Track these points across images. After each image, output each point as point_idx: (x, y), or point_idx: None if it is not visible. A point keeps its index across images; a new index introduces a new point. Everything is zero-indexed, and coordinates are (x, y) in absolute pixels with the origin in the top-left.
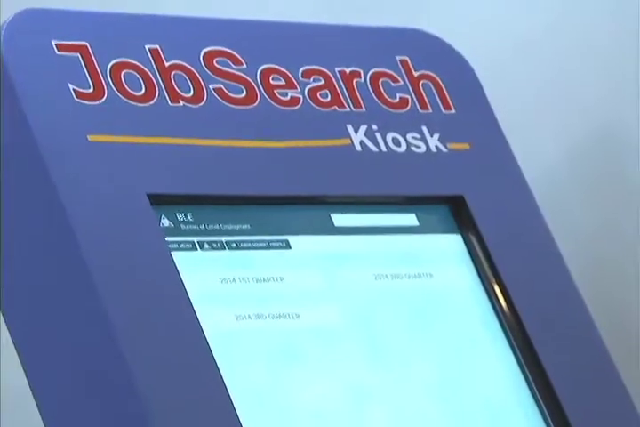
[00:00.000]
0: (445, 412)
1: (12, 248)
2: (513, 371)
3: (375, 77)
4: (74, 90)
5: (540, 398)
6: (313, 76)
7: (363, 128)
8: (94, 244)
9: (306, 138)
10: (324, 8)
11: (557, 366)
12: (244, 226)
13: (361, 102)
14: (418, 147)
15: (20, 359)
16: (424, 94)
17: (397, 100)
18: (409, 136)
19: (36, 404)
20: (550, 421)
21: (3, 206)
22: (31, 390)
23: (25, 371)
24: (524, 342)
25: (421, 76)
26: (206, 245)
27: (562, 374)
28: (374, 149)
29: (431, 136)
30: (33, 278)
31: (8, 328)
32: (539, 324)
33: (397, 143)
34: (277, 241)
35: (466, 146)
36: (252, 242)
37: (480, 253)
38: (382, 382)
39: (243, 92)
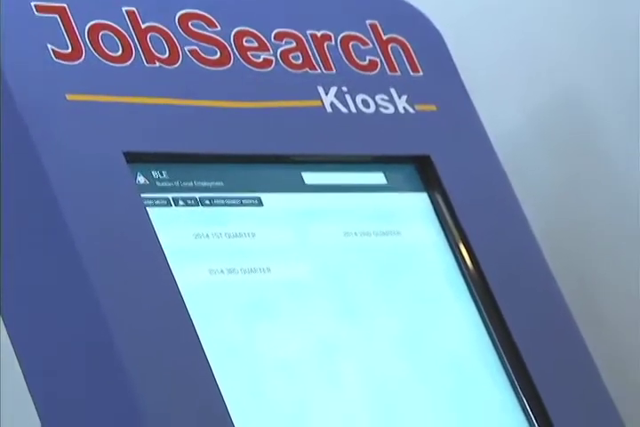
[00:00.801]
0: (411, 363)
1: None
2: (476, 324)
3: (345, 40)
4: (52, 50)
5: (501, 351)
6: (285, 39)
7: (333, 90)
8: (72, 200)
9: (277, 99)
10: None
11: (518, 319)
12: (218, 183)
13: (331, 64)
14: (386, 108)
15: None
16: (392, 57)
17: (367, 62)
18: (378, 98)
19: (20, 366)
20: (511, 372)
21: None
22: (16, 352)
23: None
24: (486, 297)
25: (390, 40)
26: (181, 202)
27: (522, 326)
28: (344, 110)
29: (399, 98)
30: (14, 234)
31: None
32: (501, 279)
33: (366, 104)
34: (250, 198)
35: (433, 107)
36: (225, 199)
37: (445, 211)
38: (351, 335)
39: (216, 53)
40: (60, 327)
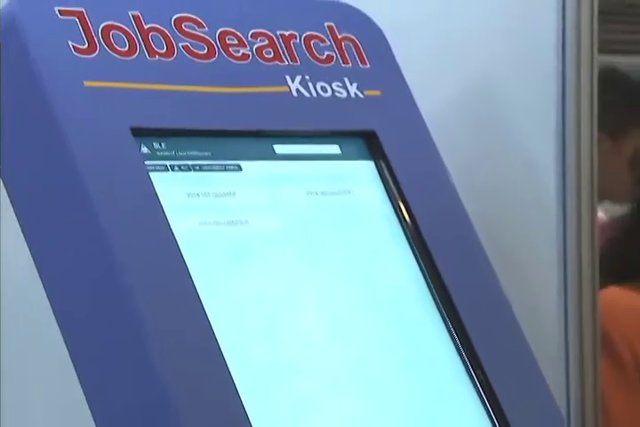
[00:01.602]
0: (359, 296)
1: (17, 177)
2: (412, 265)
3: (308, 39)
4: (72, 46)
5: (433, 288)
6: (259, 38)
7: (298, 78)
8: (90, 166)
9: (253, 85)
10: None
11: (447, 264)
12: (206, 153)
13: (297, 58)
14: (340, 93)
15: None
16: (345, 52)
17: (325, 56)
18: (334, 85)
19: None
20: (442, 308)
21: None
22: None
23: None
24: (420, 245)
25: (343, 39)
26: (176, 168)
27: (450, 270)
28: (307, 94)
29: (351, 85)
30: (39, 199)
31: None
32: (433, 231)
33: (325, 90)
34: (231, 165)
35: (378, 93)
36: (211, 166)
37: (388, 176)
38: (312, 275)
39: (204, 49)
40: (76, 263)
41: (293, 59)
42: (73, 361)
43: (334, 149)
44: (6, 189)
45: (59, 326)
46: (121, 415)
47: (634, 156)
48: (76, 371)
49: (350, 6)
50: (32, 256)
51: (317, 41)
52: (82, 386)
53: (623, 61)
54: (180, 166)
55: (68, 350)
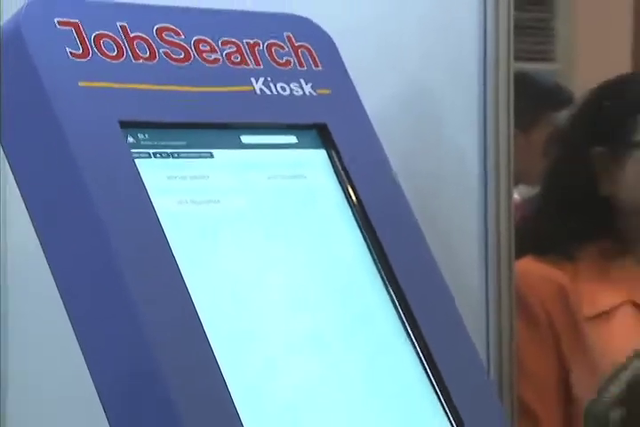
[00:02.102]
0: (315, 267)
1: (23, 168)
2: (358, 240)
3: (269, 46)
4: (69, 51)
5: (377, 260)
6: (228, 45)
7: (261, 79)
8: (84, 154)
9: (223, 85)
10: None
11: (389, 238)
12: (182, 142)
13: (260, 62)
14: (297, 92)
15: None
16: (301, 57)
17: (284, 61)
18: (291, 85)
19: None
20: (386, 279)
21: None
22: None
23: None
24: (366, 223)
25: (300, 46)
26: (157, 155)
27: (392, 243)
28: (268, 93)
29: (306, 85)
30: (41, 183)
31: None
32: (376, 210)
33: (284, 89)
34: (204, 153)
35: (328, 91)
36: (187, 153)
37: (337, 163)
38: (274, 250)
39: (181, 54)
40: (73, 234)
41: (257, 63)
42: (74, 330)
43: (292, 139)
44: (14, 176)
45: (60, 292)
46: (114, 375)
47: (544, 146)
48: (77, 338)
49: (305, 19)
50: (36, 233)
51: (277, 48)
52: (82, 351)
53: (532, 67)
54: (160, 154)
55: (68, 315)
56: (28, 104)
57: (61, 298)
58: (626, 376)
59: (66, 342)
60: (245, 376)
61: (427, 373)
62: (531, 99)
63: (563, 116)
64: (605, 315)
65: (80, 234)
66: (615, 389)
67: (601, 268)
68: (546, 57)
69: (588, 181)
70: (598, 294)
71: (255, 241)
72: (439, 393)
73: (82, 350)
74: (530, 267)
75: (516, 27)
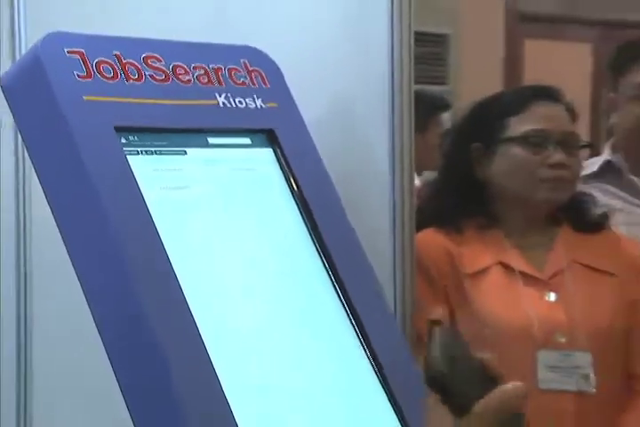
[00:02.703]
0: (266, 240)
1: (43, 172)
2: (297, 219)
3: (230, 70)
4: (76, 73)
5: (312, 232)
6: (198, 69)
7: (223, 95)
8: (87, 152)
9: (194, 99)
10: (206, 34)
11: (321, 216)
12: (163, 143)
13: (223, 82)
14: (251, 105)
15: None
16: (254, 79)
17: (241, 81)
18: (247, 99)
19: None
20: (318, 247)
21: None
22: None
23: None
24: (304, 204)
25: (253, 70)
26: (144, 152)
27: (323, 219)
28: (229, 105)
29: (257, 99)
30: (55, 177)
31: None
32: (311, 194)
33: (241, 103)
34: (180, 151)
35: (275, 104)
36: (167, 151)
37: (281, 158)
38: (234, 228)
39: (162, 76)
40: (81, 217)
41: (220, 83)
42: (84, 292)
43: (247, 140)
44: (35, 168)
45: (71, 258)
46: (111, 321)
47: (440, 142)
48: (84, 293)
49: (257, 49)
50: (55, 218)
51: (236, 71)
52: (88, 303)
53: (430, 88)
54: (146, 151)
55: (78, 277)
56: (45, 114)
57: (73, 265)
58: (437, 341)
59: (87, 339)
60: (211, 314)
61: (351, 322)
62: (424, 108)
63: (445, 118)
64: (481, 272)
65: (85, 212)
66: (434, 352)
67: (478, 237)
68: (441, 81)
69: (469, 169)
70: (476, 256)
71: (218, 217)
72: (359, 333)
73: (88, 302)
74: (426, 236)
75: (417, 58)
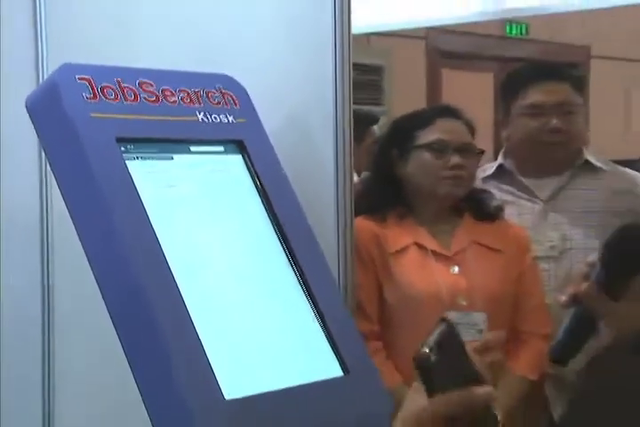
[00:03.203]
0: (235, 223)
1: (60, 173)
2: (262, 209)
3: (207, 93)
4: (85, 96)
5: (272, 218)
6: (182, 92)
7: (202, 113)
8: (95, 157)
9: (179, 116)
10: (189, 63)
11: (280, 205)
12: (155, 150)
13: (202, 103)
14: (224, 120)
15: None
16: (227, 100)
17: (216, 102)
18: (221, 116)
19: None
20: (277, 229)
21: (51, 156)
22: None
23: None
24: (265, 196)
25: (226, 93)
26: (140, 158)
27: (282, 208)
28: (207, 121)
29: (230, 116)
30: (71, 180)
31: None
32: (272, 187)
33: (216, 119)
34: (168, 156)
35: (244, 120)
36: (158, 157)
37: (249, 163)
38: (211, 210)
39: (153, 97)
40: (89, 207)
41: (200, 103)
42: (92, 270)
43: (221, 148)
44: (54, 175)
45: (81, 239)
46: (114, 286)
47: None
48: (90, 264)
49: (229, 76)
50: (69, 211)
51: (212, 94)
52: (95, 277)
53: (368, 108)
54: (142, 157)
55: (87, 254)
56: (60, 128)
57: (83, 247)
58: (437, 332)
59: (107, 338)
60: (192, 282)
61: (302, 288)
62: (360, 122)
63: (375, 130)
64: (401, 251)
65: (92, 206)
66: (430, 339)
67: (398, 223)
68: (378, 102)
69: (390, 170)
70: (396, 239)
71: (199, 209)
72: (309, 296)
73: (96, 278)
74: (359, 222)
75: (359, 84)
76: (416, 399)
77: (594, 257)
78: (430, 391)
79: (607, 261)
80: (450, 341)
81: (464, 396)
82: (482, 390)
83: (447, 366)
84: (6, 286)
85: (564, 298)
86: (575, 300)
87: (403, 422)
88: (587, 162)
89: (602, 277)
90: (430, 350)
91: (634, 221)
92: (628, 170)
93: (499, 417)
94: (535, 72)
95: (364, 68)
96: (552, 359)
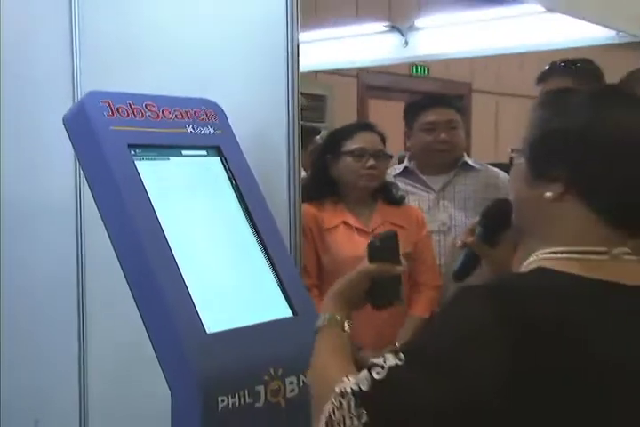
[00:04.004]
0: (215, 205)
1: (88, 170)
2: (234, 196)
3: (195, 112)
4: (105, 114)
5: (242, 204)
6: (176, 111)
7: (191, 126)
8: (114, 159)
9: (174, 128)
10: (180, 88)
11: (249, 194)
12: (156, 153)
13: (191, 118)
14: (208, 132)
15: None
16: (210, 116)
17: (201, 118)
18: (204, 128)
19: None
20: (246, 212)
21: (82, 163)
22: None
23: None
24: (237, 188)
25: (208, 111)
26: (145, 159)
27: (250, 196)
28: (194, 132)
29: (211, 128)
30: (96, 178)
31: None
32: (242, 182)
33: (201, 130)
34: (165, 158)
35: (221, 131)
36: (159, 158)
37: (225, 164)
38: (199, 197)
39: (155, 115)
40: (108, 198)
41: (190, 118)
42: (113, 245)
43: (204, 152)
44: (84, 173)
45: (104, 221)
46: (125, 245)
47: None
48: (108, 233)
49: (211, 100)
50: (95, 200)
51: (198, 112)
52: (109, 235)
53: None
54: (146, 158)
55: (111, 239)
56: (88, 137)
57: (106, 227)
58: (384, 233)
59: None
60: (183, 249)
61: (264, 254)
62: (305, 133)
63: (318, 140)
64: (333, 228)
65: (111, 195)
66: (381, 234)
67: (332, 208)
68: (322, 121)
69: (326, 169)
70: (330, 219)
71: (189, 197)
72: (270, 262)
73: (115, 251)
74: (304, 207)
75: (307, 108)
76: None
77: (476, 221)
78: (370, 261)
79: (484, 223)
80: (390, 239)
81: (388, 267)
82: (400, 267)
83: (385, 250)
84: (49, 252)
85: (459, 243)
86: (465, 245)
87: (338, 283)
88: (466, 163)
89: (481, 233)
90: (378, 239)
91: (500, 198)
92: (496, 169)
93: (402, 288)
94: (430, 101)
95: (312, 97)
96: (454, 279)
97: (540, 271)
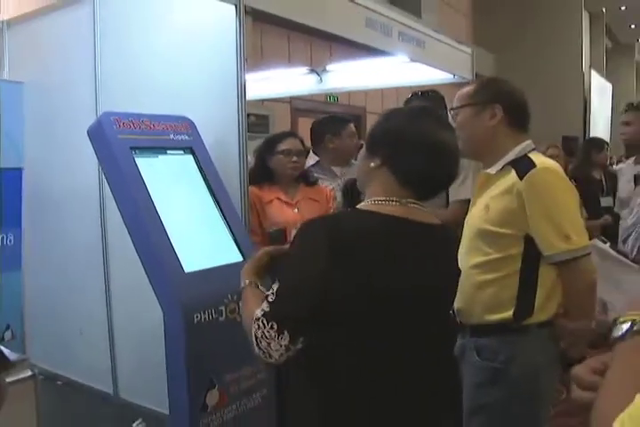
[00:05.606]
0: (193, 195)
1: (105, 166)
2: (204, 187)
3: (175, 125)
4: (114, 127)
5: (212, 194)
6: (163, 124)
7: (173, 134)
8: (120, 156)
9: (161, 136)
10: (165, 107)
11: (216, 186)
12: (149, 153)
13: (173, 129)
14: (184, 138)
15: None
16: (185, 128)
17: (180, 129)
18: (182, 136)
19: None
20: (215, 199)
21: (105, 170)
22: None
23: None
24: (207, 181)
25: (184, 125)
26: (142, 157)
27: (215, 185)
28: (175, 138)
29: (187, 136)
30: (110, 173)
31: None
32: (210, 176)
33: (179, 138)
34: (155, 156)
35: (193, 138)
36: (151, 156)
37: (197, 161)
38: (180, 187)
39: (149, 128)
40: (118, 187)
41: (172, 129)
42: (124, 221)
43: (182, 152)
44: (103, 171)
45: (117, 202)
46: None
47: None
48: (121, 214)
49: (187, 117)
50: (111, 190)
51: (178, 125)
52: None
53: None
54: (143, 156)
55: (123, 217)
56: (103, 144)
57: (119, 209)
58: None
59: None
60: (169, 218)
61: (224, 220)
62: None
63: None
64: (270, 202)
65: (120, 184)
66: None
67: (269, 189)
68: (266, 132)
69: (264, 162)
70: (268, 196)
71: (173, 186)
72: (228, 225)
73: (126, 225)
74: (251, 189)
75: (254, 123)
76: None
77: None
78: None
79: (344, 194)
80: (280, 231)
81: (280, 247)
82: (287, 248)
83: (277, 238)
84: (83, 226)
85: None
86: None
87: (251, 259)
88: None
89: (346, 201)
90: (274, 231)
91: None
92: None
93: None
94: (335, 120)
95: (259, 116)
96: None
97: (360, 211)
